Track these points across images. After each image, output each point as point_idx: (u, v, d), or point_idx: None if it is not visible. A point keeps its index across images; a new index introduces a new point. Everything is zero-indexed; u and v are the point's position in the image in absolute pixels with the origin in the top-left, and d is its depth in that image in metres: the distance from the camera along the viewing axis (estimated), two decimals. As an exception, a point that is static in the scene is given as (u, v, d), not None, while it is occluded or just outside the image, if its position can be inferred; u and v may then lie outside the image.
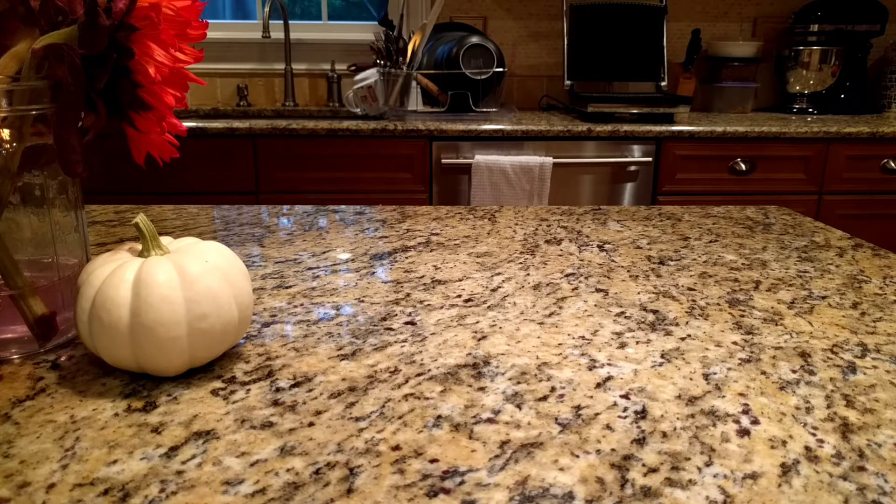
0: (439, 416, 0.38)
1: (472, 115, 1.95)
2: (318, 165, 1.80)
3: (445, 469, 0.33)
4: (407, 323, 0.52)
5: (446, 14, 2.22)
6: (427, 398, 0.40)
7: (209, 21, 0.46)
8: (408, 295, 0.58)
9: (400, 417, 0.38)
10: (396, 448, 0.35)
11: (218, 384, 0.41)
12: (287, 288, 0.59)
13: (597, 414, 0.38)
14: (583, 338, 0.49)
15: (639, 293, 0.58)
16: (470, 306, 0.55)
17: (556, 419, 0.38)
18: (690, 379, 0.43)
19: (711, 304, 0.56)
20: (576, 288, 0.60)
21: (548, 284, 0.60)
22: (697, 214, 0.89)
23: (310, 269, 0.64)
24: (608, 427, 0.37)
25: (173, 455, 0.34)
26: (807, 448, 0.35)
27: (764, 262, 0.68)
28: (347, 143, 1.79)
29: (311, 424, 0.37)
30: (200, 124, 1.75)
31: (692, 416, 0.38)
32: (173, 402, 0.39)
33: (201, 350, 0.41)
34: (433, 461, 0.34)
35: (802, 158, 1.86)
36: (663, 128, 1.83)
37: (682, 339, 0.49)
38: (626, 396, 0.40)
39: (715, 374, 0.44)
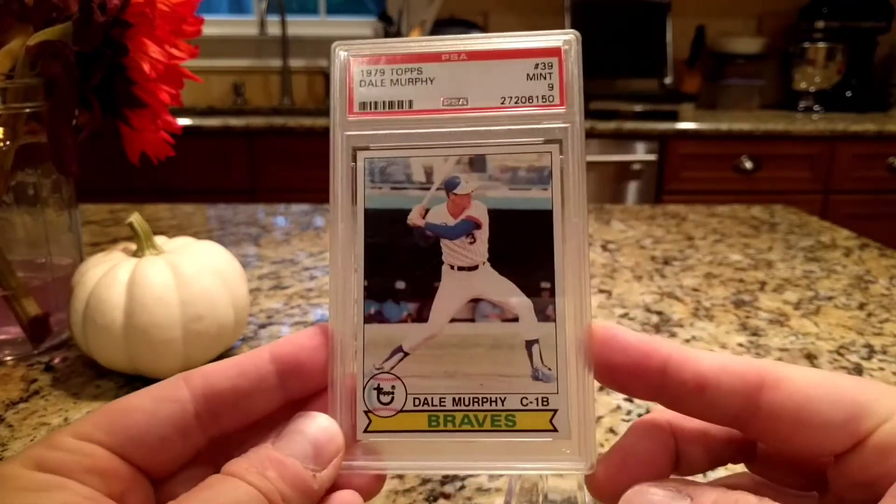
0: (439, 420, 0.37)
1: (474, 112, 1.94)
2: (315, 164, 1.79)
3: (445, 474, 0.33)
4: (407, 324, 0.51)
5: (447, 10, 2.21)
6: (426, 401, 0.39)
7: (204, 17, 0.46)
8: (408, 295, 0.57)
9: (398, 421, 0.37)
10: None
11: (214, 387, 0.41)
12: (283, 289, 0.58)
13: (600, 417, 0.38)
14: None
15: (643, 294, 0.58)
16: (471, 307, 0.54)
17: (558, 423, 0.37)
18: (695, 382, 0.42)
19: (717, 305, 0.55)
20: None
21: (550, 284, 0.60)
22: (702, 214, 0.88)
23: (307, 269, 0.63)
24: (611, 431, 0.36)
25: (167, 460, 0.34)
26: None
27: (770, 262, 0.67)
28: (349, 140, 1.78)
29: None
30: (196, 122, 1.74)
31: (697, 420, 0.38)
32: (168, 405, 0.39)
33: (196, 352, 0.40)
34: (432, 467, 0.33)
35: (808, 157, 1.85)
36: (667, 125, 1.82)
37: (687, 340, 0.48)
38: (629, 399, 0.40)
39: (720, 376, 0.43)
